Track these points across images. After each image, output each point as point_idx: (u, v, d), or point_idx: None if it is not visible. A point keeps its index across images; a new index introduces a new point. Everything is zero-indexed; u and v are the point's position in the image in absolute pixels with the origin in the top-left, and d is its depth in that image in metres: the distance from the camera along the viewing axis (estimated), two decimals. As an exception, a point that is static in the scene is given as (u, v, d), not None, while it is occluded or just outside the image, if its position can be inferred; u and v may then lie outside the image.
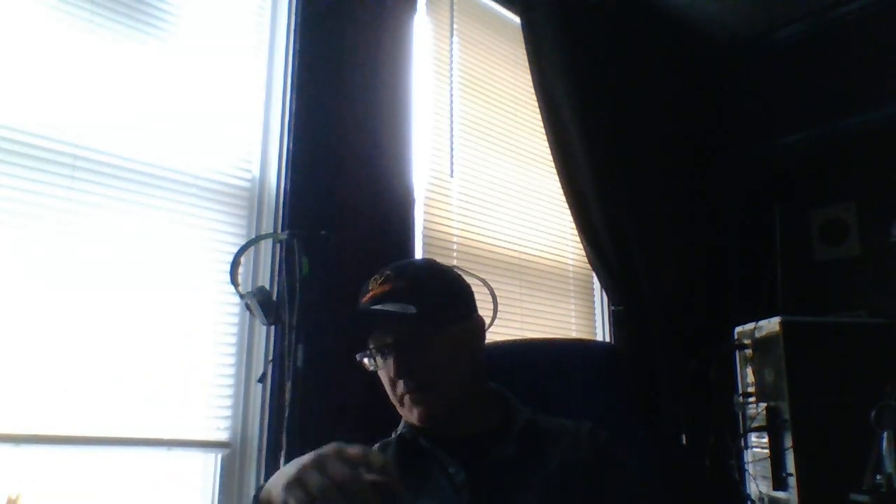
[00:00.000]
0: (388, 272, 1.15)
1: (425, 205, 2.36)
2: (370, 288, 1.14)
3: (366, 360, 1.14)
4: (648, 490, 1.15)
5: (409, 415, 1.11)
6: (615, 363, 1.42)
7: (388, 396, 1.15)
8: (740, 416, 2.59)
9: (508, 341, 1.54)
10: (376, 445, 1.17)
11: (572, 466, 1.08)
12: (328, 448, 0.78)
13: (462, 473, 1.06)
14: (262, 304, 1.60)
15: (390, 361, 1.10)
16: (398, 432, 1.16)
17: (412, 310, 1.07)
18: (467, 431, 1.12)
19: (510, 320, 2.50)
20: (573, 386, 1.36)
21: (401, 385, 1.10)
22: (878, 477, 1.86)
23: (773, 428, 2.39)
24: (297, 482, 0.74)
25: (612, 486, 1.09)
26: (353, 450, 0.77)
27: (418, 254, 2.28)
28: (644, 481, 1.16)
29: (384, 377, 1.13)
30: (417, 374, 1.09)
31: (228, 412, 1.81)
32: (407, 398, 1.10)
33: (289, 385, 1.61)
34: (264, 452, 1.79)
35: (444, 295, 1.16)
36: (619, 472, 1.11)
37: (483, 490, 1.05)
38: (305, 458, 0.77)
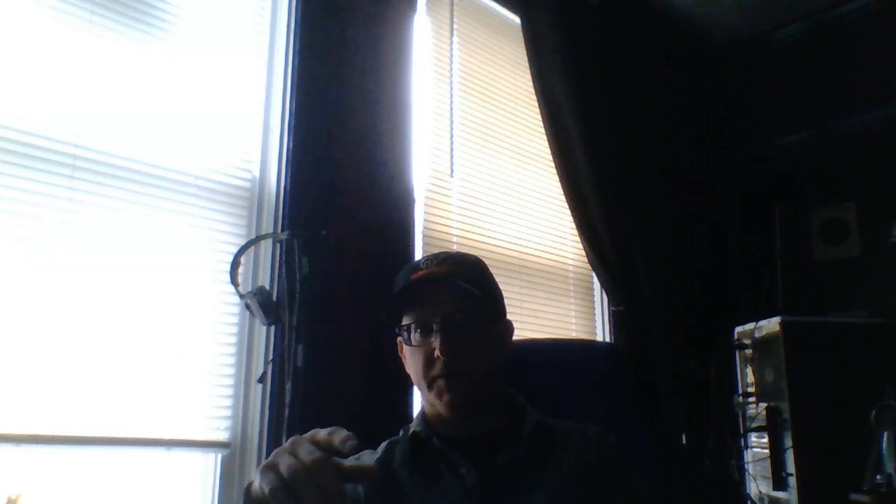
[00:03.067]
0: (443, 256, 1.16)
1: (425, 205, 2.36)
2: (422, 267, 1.13)
3: (401, 336, 1.12)
4: (653, 494, 1.15)
5: (437, 400, 1.09)
6: (616, 363, 1.42)
7: (409, 380, 1.14)
8: (740, 416, 2.59)
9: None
10: (384, 444, 1.17)
11: (581, 469, 1.08)
12: (307, 434, 0.77)
13: (474, 474, 1.06)
14: (262, 304, 1.60)
15: (435, 339, 1.07)
16: (411, 430, 1.14)
17: (477, 293, 1.08)
18: (479, 431, 1.11)
19: (510, 320, 2.50)
20: (574, 386, 1.36)
21: (439, 366, 1.07)
22: (878, 477, 1.86)
23: (773, 428, 2.39)
24: (270, 466, 0.74)
25: (619, 489, 1.09)
26: (325, 434, 0.75)
27: (418, 254, 2.28)
28: (649, 485, 1.15)
29: (417, 356, 1.10)
30: (461, 357, 1.07)
31: (228, 412, 1.81)
32: (441, 382, 1.08)
33: (289, 385, 1.61)
34: (264, 452, 1.79)
35: (496, 290, 1.19)
36: (625, 476, 1.11)
37: (493, 491, 1.05)
38: (284, 444, 0.78)
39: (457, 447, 1.09)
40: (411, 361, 1.13)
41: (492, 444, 1.09)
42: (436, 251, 2.31)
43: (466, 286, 1.08)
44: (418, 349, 1.10)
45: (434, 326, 1.08)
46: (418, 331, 1.10)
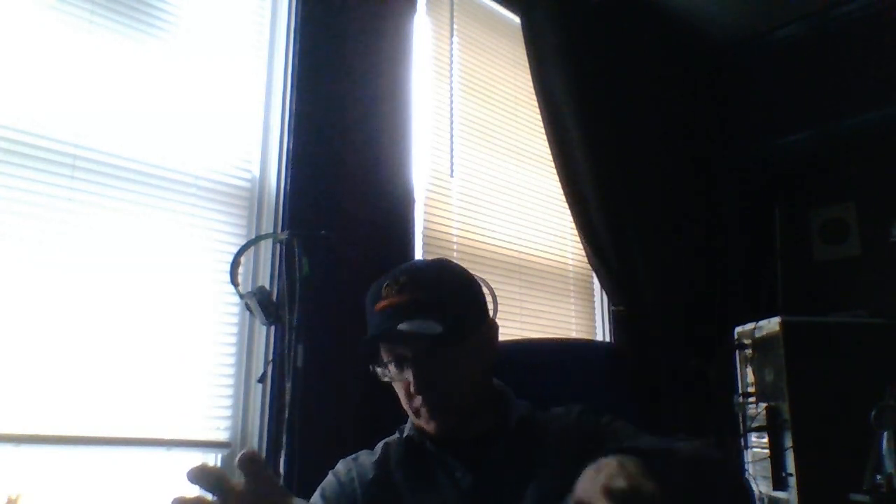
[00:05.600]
0: (403, 278, 1.08)
1: (425, 205, 2.36)
2: (383, 295, 1.07)
3: (378, 371, 1.10)
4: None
5: (426, 425, 1.08)
6: (616, 363, 1.42)
7: (399, 403, 1.12)
8: (740, 416, 2.59)
9: (508, 341, 1.54)
10: (379, 445, 1.17)
11: (566, 456, 1.04)
12: None
13: (468, 477, 1.06)
14: (262, 304, 1.60)
15: (408, 374, 1.05)
16: (405, 433, 1.14)
17: (437, 329, 1.02)
18: (473, 433, 1.11)
19: (510, 320, 2.50)
20: (574, 386, 1.36)
21: (418, 399, 1.06)
22: (878, 477, 1.86)
23: (773, 428, 2.39)
24: None
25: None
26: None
27: (418, 254, 2.27)
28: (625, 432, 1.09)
29: (399, 387, 1.10)
30: (438, 389, 1.05)
31: (228, 412, 1.81)
32: (424, 411, 1.07)
33: (289, 385, 1.61)
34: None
35: (463, 305, 1.11)
36: (604, 439, 1.05)
37: (488, 493, 1.05)
38: None
39: (450, 450, 1.09)
40: (396, 390, 1.11)
41: (483, 444, 1.09)
42: (436, 251, 2.33)
43: (426, 324, 1.02)
44: (398, 383, 1.09)
45: (403, 362, 1.06)
46: (393, 364, 1.07)
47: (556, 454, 1.06)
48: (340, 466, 1.14)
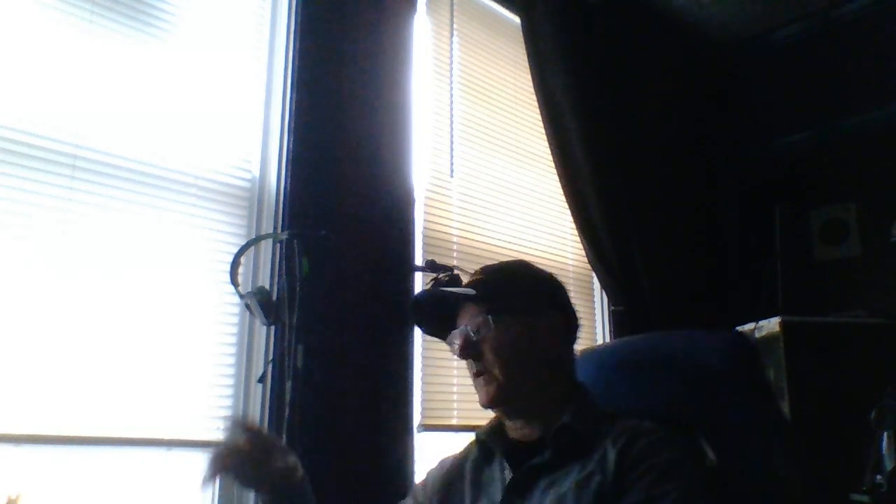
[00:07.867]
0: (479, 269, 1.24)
1: (425, 205, 2.35)
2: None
3: (451, 347, 1.20)
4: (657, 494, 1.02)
5: (480, 397, 1.17)
6: (741, 353, 1.24)
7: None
8: (740, 416, 2.58)
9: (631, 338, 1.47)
10: (470, 442, 1.24)
11: (595, 474, 1.04)
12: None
13: (509, 476, 1.12)
14: (262, 304, 1.60)
15: (456, 346, 1.16)
16: (477, 435, 1.22)
17: (459, 293, 1.15)
18: (530, 437, 1.15)
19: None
20: (697, 379, 1.22)
21: (470, 365, 1.16)
22: (878, 477, 1.86)
23: (773, 428, 2.39)
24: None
25: (625, 492, 1.02)
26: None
27: (418, 254, 2.28)
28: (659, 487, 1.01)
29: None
30: (476, 360, 1.14)
31: (228, 412, 1.81)
32: (477, 380, 1.16)
33: (289, 385, 1.61)
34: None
35: (510, 286, 1.18)
36: (636, 477, 1.02)
37: (518, 492, 1.09)
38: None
39: (508, 450, 1.15)
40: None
41: (534, 448, 1.13)
42: (436, 251, 2.33)
43: (452, 290, 1.17)
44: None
45: (456, 334, 1.17)
46: (454, 340, 1.18)
47: (587, 472, 1.05)
48: (434, 468, 1.24)
